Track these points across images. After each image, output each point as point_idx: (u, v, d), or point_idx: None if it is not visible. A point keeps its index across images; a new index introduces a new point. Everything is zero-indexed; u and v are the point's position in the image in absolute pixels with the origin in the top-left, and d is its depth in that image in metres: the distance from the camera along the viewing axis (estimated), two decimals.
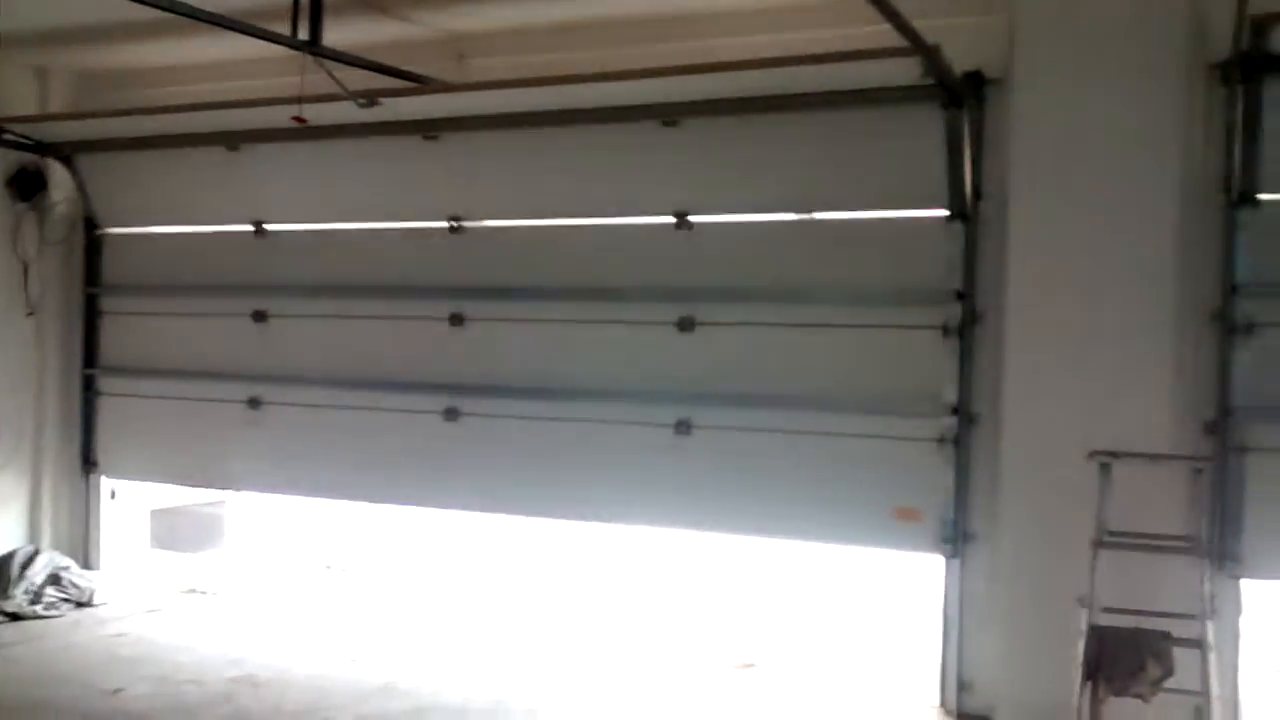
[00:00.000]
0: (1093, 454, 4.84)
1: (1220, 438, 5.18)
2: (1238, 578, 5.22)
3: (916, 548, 5.97)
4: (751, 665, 6.51)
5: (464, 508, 7.37)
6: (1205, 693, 4.56)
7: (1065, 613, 4.86)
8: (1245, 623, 5.41)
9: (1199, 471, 4.69)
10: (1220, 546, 5.11)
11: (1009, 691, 5.44)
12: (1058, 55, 5.35)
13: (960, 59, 5.32)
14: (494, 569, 8.71)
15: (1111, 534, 4.81)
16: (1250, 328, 5.16)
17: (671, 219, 6.51)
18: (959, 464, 5.79)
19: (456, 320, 7.12)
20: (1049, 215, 5.37)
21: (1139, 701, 4.67)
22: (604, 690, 6.04)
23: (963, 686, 5.76)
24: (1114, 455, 4.79)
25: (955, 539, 5.78)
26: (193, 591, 8.01)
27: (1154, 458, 4.83)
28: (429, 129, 6.91)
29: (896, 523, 5.92)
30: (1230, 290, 5.21)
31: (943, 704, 5.81)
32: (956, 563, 5.80)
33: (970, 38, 5.60)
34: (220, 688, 5.96)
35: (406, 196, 7.26)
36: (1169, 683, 4.63)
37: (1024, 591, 5.40)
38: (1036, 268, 5.40)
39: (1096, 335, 5.26)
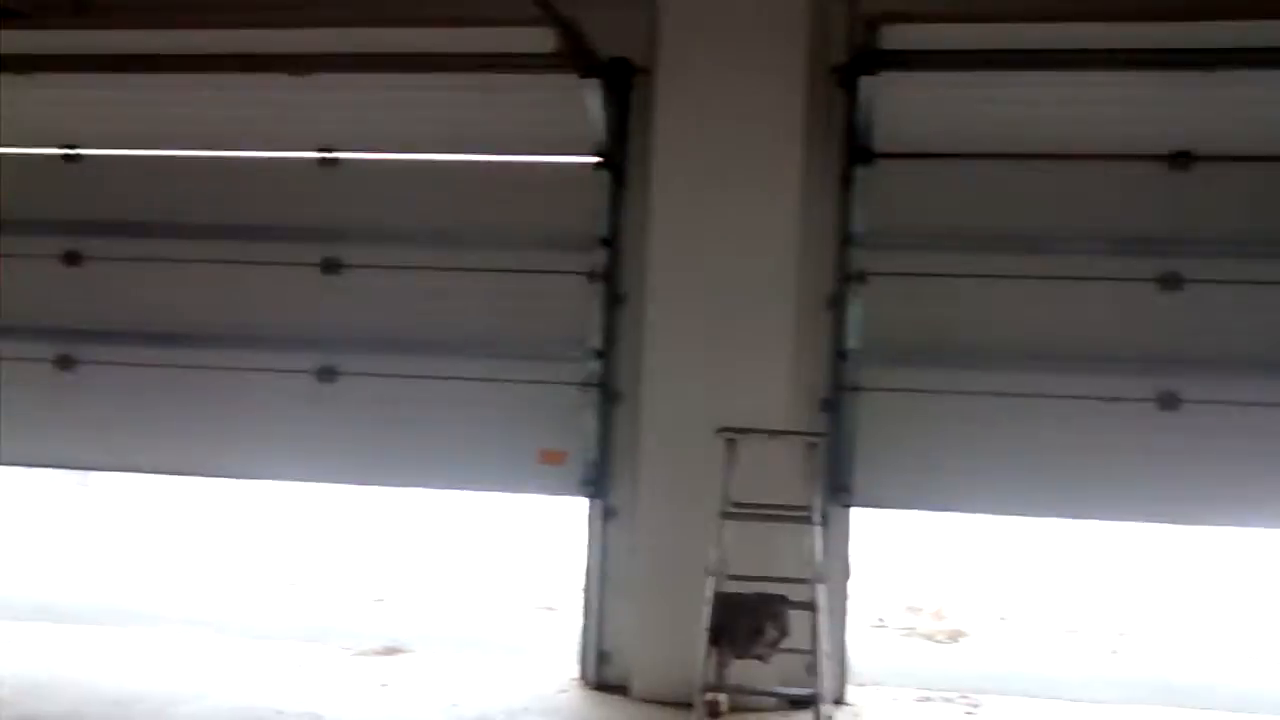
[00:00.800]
0: (720, 430, 5.12)
1: (834, 414, 5.68)
2: (847, 506, 5.73)
3: (561, 491, 6.06)
4: (396, 651, 6.42)
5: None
6: (814, 650, 4.93)
7: (697, 582, 5.10)
8: (853, 585, 5.94)
9: (813, 446, 5.06)
10: (834, 479, 5.61)
11: (643, 660, 5.66)
12: (696, 46, 5.61)
13: (613, 44, 5.57)
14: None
15: (737, 505, 5.10)
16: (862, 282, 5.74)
17: (315, 155, 6.28)
18: (602, 407, 5.93)
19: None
20: (686, 196, 5.64)
21: (760, 662, 5.02)
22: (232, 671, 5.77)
23: (602, 658, 5.93)
24: (739, 431, 5.09)
25: (598, 480, 5.90)
26: None
27: (774, 433, 5.16)
28: None
29: (541, 466, 5.98)
30: (845, 279, 5.72)
31: (583, 675, 5.95)
32: (599, 538, 5.96)
33: (625, 26, 5.80)
34: None
35: None
36: (785, 643, 5.01)
37: (659, 563, 5.63)
38: (673, 248, 5.66)
39: (725, 316, 5.58)
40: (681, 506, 5.52)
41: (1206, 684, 6.55)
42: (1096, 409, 5.62)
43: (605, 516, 5.94)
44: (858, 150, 5.73)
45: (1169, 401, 5.56)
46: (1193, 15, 5.13)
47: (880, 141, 5.76)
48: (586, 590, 6.02)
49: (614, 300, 5.97)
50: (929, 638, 7.18)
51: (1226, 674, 6.81)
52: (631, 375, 5.84)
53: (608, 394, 5.94)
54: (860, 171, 5.73)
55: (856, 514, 5.82)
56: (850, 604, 6.01)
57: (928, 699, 5.90)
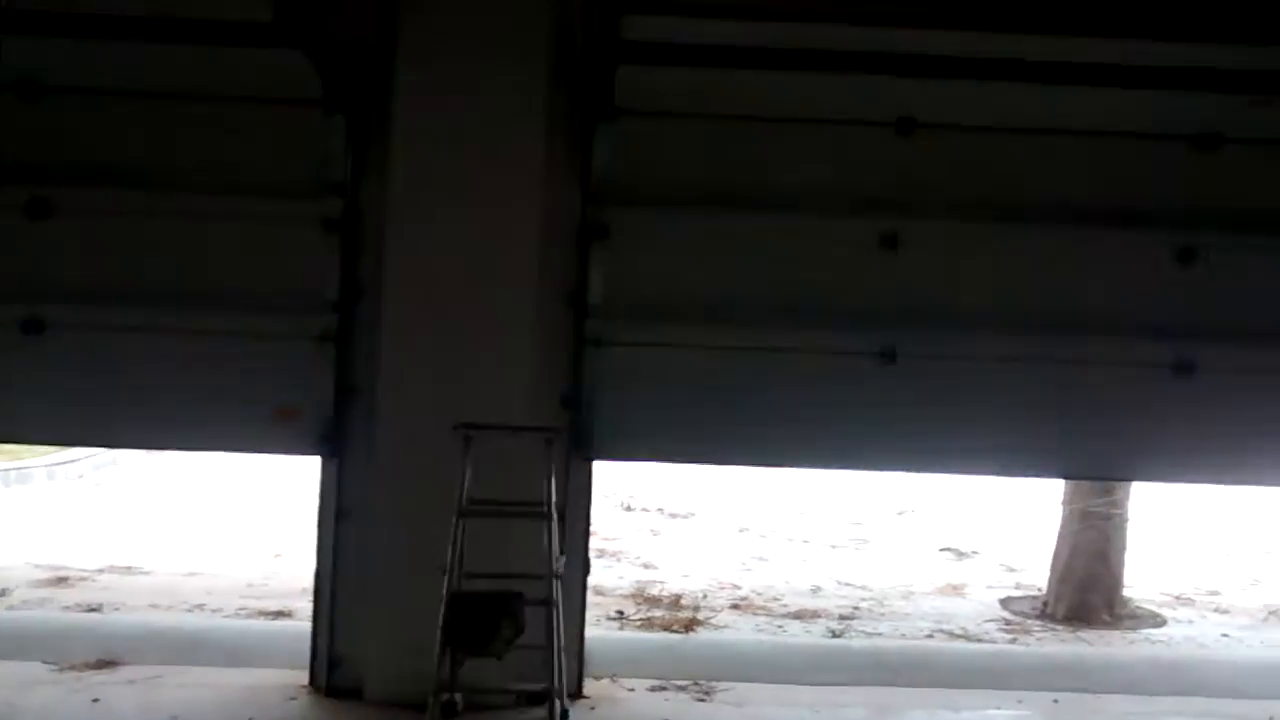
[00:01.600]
0: (456, 426, 5.04)
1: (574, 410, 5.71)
2: (589, 459, 5.79)
3: (297, 449, 5.86)
4: (110, 664, 6.00)
5: None
6: (550, 645, 4.93)
7: (433, 581, 5.02)
8: (591, 578, 6.00)
9: (550, 442, 5.06)
10: (575, 436, 5.68)
11: (376, 663, 5.53)
12: (439, 30, 5.49)
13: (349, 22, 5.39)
14: None
15: (474, 503, 5.03)
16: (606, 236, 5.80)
17: None
18: (339, 362, 5.73)
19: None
20: (425, 192, 5.52)
21: (496, 660, 4.98)
22: None
23: (334, 662, 5.74)
24: (475, 427, 5.03)
25: (334, 438, 5.71)
26: None
27: (513, 429, 5.13)
28: None
29: (276, 423, 5.73)
30: (584, 277, 5.76)
31: (313, 681, 5.74)
32: (330, 538, 5.76)
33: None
34: None
35: None
36: (522, 640, 4.99)
37: (394, 563, 5.49)
38: (413, 246, 5.52)
39: (466, 314, 5.50)
40: (418, 504, 5.40)
41: (922, 660, 7.00)
42: (828, 363, 5.90)
43: (338, 516, 5.74)
44: (600, 106, 5.73)
45: (890, 355, 5.89)
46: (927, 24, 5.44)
47: (623, 98, 5.79)
48: (318, 592, 5.80)
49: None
50: (667, 628, 7.33)
51: (939, 651, 7.28)
52: (369, 372, 5.67)
53: (344, 348, 5.72)
54: (603, 128, 5.75)
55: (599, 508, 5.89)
56: (589, 598, 6.08)
57: (662, 688, 6.03)
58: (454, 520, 4.98)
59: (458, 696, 5.10)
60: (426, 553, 5.17)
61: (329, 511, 5.76)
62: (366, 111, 5.68)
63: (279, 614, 7.41)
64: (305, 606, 6.20)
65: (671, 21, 5.37)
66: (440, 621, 4.86)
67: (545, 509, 5.00)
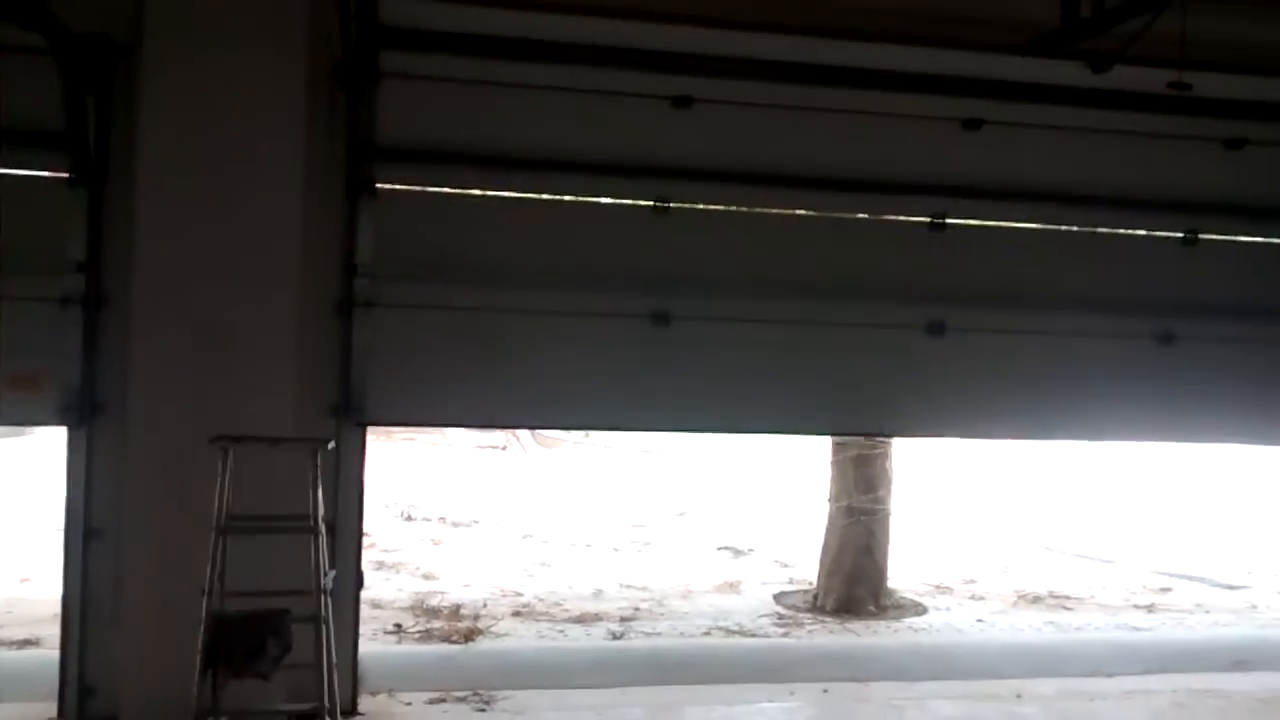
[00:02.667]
0: (213, 439, 4.80)
1: (340, 418, 5.54)
2: (360, 424, 5.72)
3: (39, 420, 5.58)
4: None
5: None
6: (320, 663, 4.75)
7: (192, 602, 4.76)
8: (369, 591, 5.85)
9: (316, 453, 4.88)
10: (346, 399, 5.61)
11: (133, 691, 5.21)
12: (190, 35, 5.22)
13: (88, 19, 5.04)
14: None
15: (235, 518, 4.80)
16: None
17: None
18: (86, 326, 5.38)
19: None
20: (177, 198, 5.25)
21: (263, 680, 4.76)
22: None
23: (86, 692, 5.38)
24: (234, 440, 4.80)
25: (82, 407, 5.35)
26: None
27: (274, 441, 4.93)
28: None
29: (11, 393, 5.32)
30: (351, 273, 5.64)
31: (62, 713, 5.36)
32: (78, 561, 5.39)
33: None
34: None
35: None
36: (292, 658, 4.80)
37: (150, 584, 5.21)
38: (165, 252, 5.25)
39: (225, 322, 5.25)
40: (176, 523, 5.11)
41: (699, 657, 7.14)
42: (597, 324, 6.03)
43: (86, 538, 5.38)
44: (361, 64, 5.61)
45: (661, 318, 6.06)
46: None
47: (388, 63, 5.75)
48: (66, 618, 5.42)
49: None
50: (446, 639, 7.22)
51: (716, 648, 7.45)
52: (118, 385, 5.34)
53: (91, 311, 5.39)
54: (366, 92, 5.66)
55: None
56: (365, 612, 5.92)
57: (441, 700, 5.93)
58: (213, 537, 4.73)
59: None
60: (185, 572, 4.90)
61: (76, 530, 5.40)
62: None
63: (25, 643, 6.89)
64: (54, 634, 5.78)
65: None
66: (200, 643, 4.61)
67: (312, 522, 4.82)
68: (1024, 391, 6.60)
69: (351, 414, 5.67)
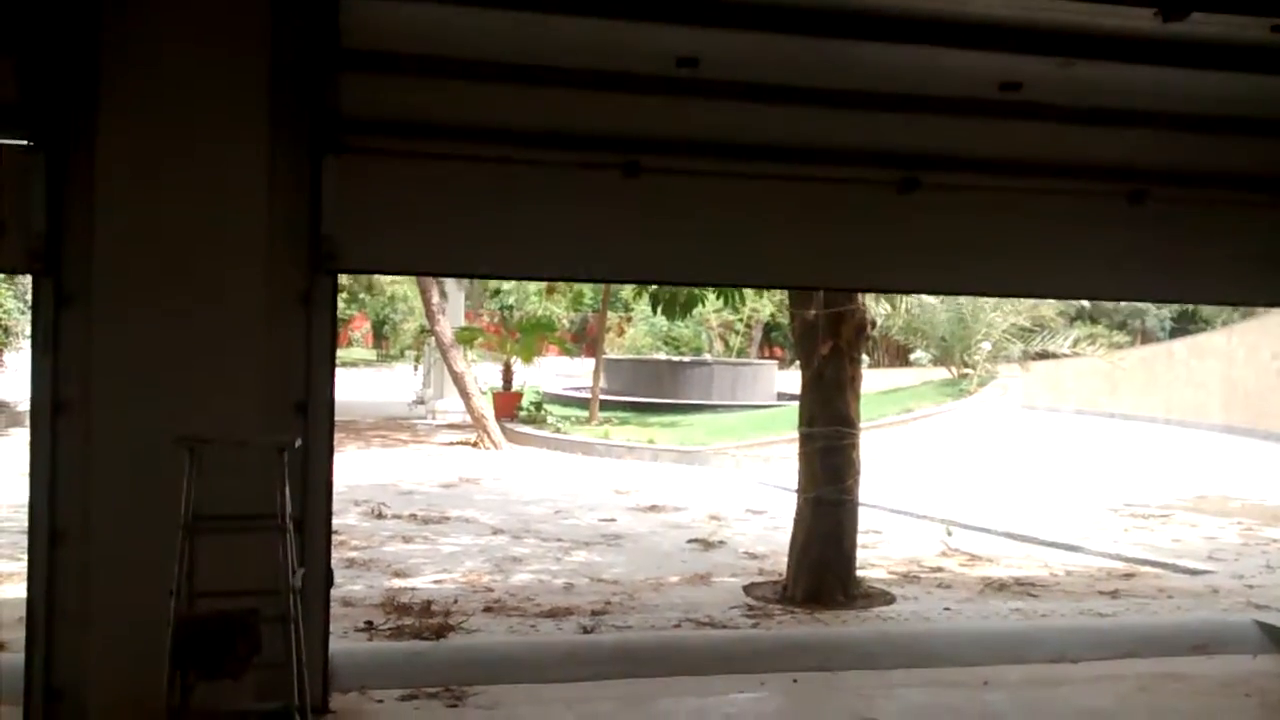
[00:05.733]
0: (179, 439, 4.78)
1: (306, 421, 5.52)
2: (331, 272, 5.72)
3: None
4: None
5: None
6: (289, 662, 4.76)
7: (161, 604, 4.74)
8: (339, 589, 5.83)
9: (282, 451, 4.87)
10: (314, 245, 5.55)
11: (101, 694, 5.17)
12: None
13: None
14: None
15: (202, 518, 4.79)
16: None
17: None
18: (50, 169, 5.28)
19: None
20: (140, 194, 5.21)
21: (232, 681, 4.75)
22: None
23: (52, 695, 5.34)
24: (201, 441, 4.78)
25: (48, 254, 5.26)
26: None
27: (239, 442, 4.92)
28: None
29: None
30: (316, 268, 5.59)
31: (27, 717, 5.32)
32: (44, 564, 5.34)
33: None
34: None
35: None
36: (262, 658, 4.79)
37: (118, 586, 5.18)
38: (127, 247, 5.21)
39: (188, 319, 5.23)
40: (143, 523, 5.09)
41: (670, 649, 7.18)
42: (569, 175, 6.09)
43: (51, 543, 5.34)
44: None
45: (632, 169, 6.02)
46: None
47: None
48: (31, 621, 5.38)
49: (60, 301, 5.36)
50: (417, 636, 7.21)
51: (686, 639, 7.48)
52: (82, 384, 5.29)
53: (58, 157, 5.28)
54: None
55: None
56: (336, 610, 5.91)
57: (413, 696, 5.94)
58: (180, 537, 4.72)
59: None
60: (153, 573, 4.88)
61: (42, 532, 5.34)
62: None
63: None
64: (20, 637, 5.73)
65: None
66: (169, 645, 4.60)
67: (280, 521, 4.81)
68: (995, 248, 6.73)
69: (323, 263, 5.62)
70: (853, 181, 6.44)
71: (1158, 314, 44.32)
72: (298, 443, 5.10)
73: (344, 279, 27.54)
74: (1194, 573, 10.34)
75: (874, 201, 6.48)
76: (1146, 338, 42.84)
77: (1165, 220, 6.87)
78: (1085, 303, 27.88)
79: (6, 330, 18.38)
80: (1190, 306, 44.22)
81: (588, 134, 6.09)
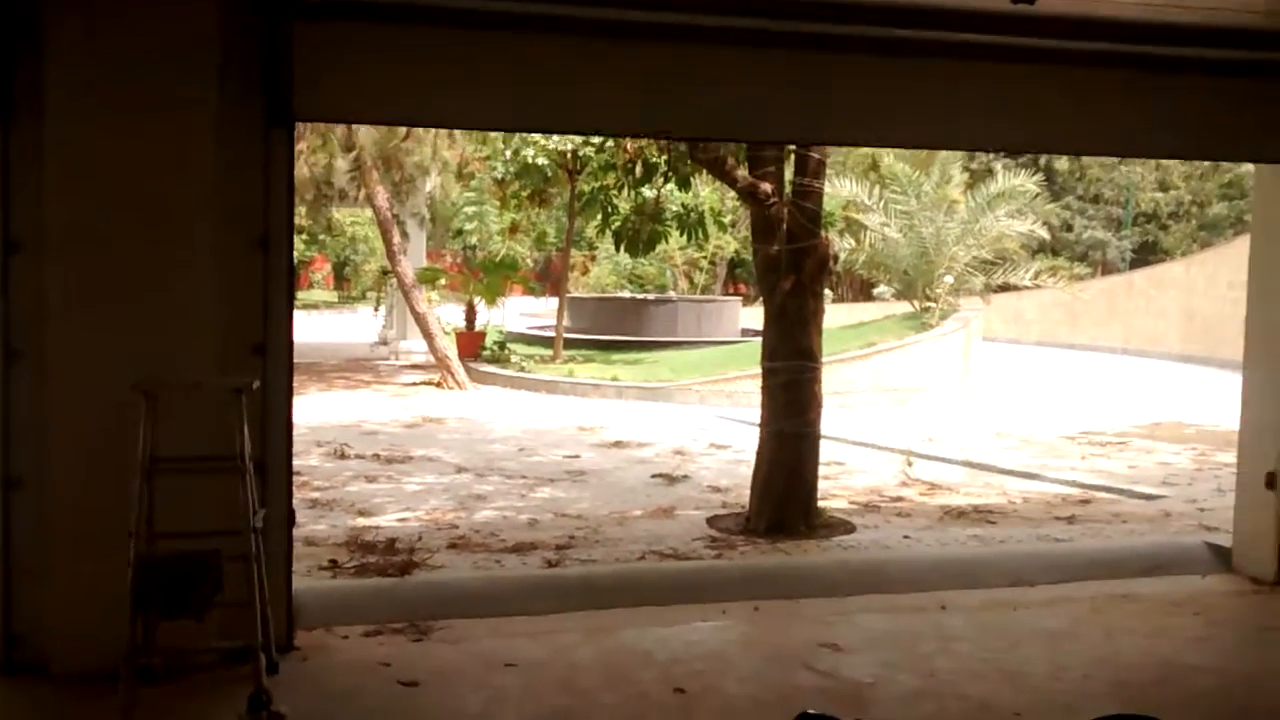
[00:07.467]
0: (135, 385, 4.75)
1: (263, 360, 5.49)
2: (287, 124, 5.59)
3: None
4: None
5: None
6: (252, 601, 4.78)
7: (122, 547, 4.74)
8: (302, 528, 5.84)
9: (240, 393, 4.85)
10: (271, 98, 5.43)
11: (62, 637, 5.19)
12: None
13: None
14: None
15: (160, 460, 4.78)
16: None
17: None
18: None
19: None
20: (87, 135, 5.11)
21: (195, 621, 4.78)
22: None
23: (12, 641, 5.34)
24: (156, 386, 4.76)
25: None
26: None
27: (195, 385, 4.89)
28: None
29: None
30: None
31: None
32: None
33: None
34: None
35: None
36: (224, 597, 4.81)
37: (76, 530, 5.16)
38: (75, 191, 5.12)
39: (140, 261, 5.17)
40: (101, 468, 5.08)
41: (634, 581, 7.27)
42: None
43: (6, 488, 5.31)
44: None
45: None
46: None
47: None
48: None
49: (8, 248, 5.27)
50: (381, 573, 7.24)
51: (650, 571, 7.57)
52: (34, 332, 5.23)
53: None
54: None
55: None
56: (299, 549, 5.93)
57: (378, 632, 5.98)
58: (138, 481, 4.71)
59: (156, 661, 4.87)
60: (112, 517, 4.88)
61: None
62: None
63: None
64: None
65: None
66: (130, 586, 4.61)
67: (239, 462, 4.81)
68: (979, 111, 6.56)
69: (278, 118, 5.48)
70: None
71: (1118, 245, 44.66)
72: (255, 384, 5.08)
73: (301, 219, 27.37)
74: (1148, 498, 10.55)
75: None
76: (1108, 269, 43.20)
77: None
78: (1046, 235, 27.93)
79: None
80: (1151, 238, 44.71)
81: None
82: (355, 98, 5.90)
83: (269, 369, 5.53)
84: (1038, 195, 26.60)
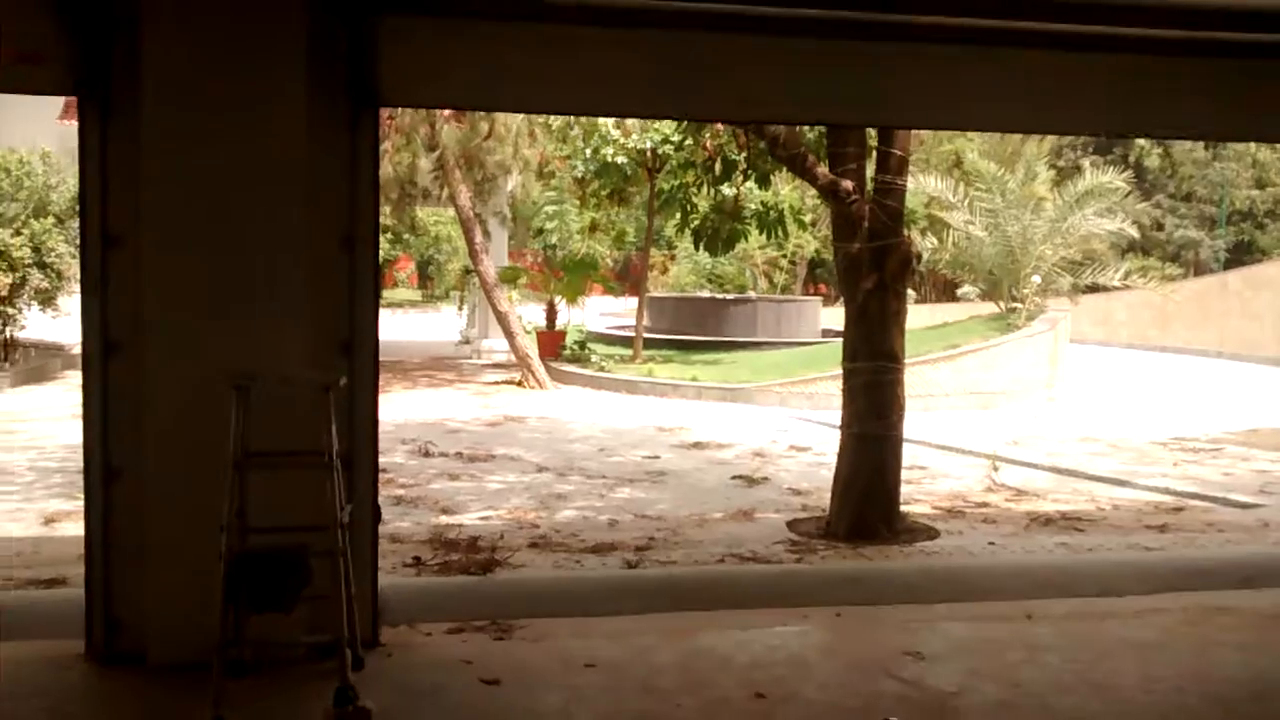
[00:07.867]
0: (226, 377, 4.85)
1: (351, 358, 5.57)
2: (373, 106, 5.71)
3: (46, 89, 5.63)
4: None
5: None
6: (338, 595, 4.86)
7: (214, 539, 4.84)
8: (387, 525, 5.92)
9: (328, 390, 4.93)
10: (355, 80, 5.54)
11: (159, 626, 5.32)
12: None
13: None
14: None
15: (252, 454, 4.88)
16: None
17: None
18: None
19: None
20: (183, 132, 5.22)
21: (283, 615, 4.86)
22: None
23: (113, 627, 5.49)
24: (248, 378, 4.86)
25: (93, 82, 5.28)
26: None
27: (284, 380, 4.98)
28: None
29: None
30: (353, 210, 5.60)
31: (89, 649, 5.48)
32: (100, 501, 5.47)
33: None
34: None
35: None
36: (311, 592, 4.89)
37: (172, 522, 5.28)
38: (171, 187, 5.24)
39: (236, 258, 5.28)
40: (195, 461, 5.18)
41: (713, 583, 7.25)
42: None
43: (106, 481, 5.46)
44: None
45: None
46: None
47: None
48: (90, 556, 5.52)
49: (107, 243, 5.43)
50: (464, 571, 7.32)
51: (730, 574, 7.55)
52: (132, 325, 5.37)
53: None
54: None
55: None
56: (384, 546, 6.01)
57: (460, 630, 6.03)
58: (230, 473, 4.81)
59: (245, 654, 4.98)
60: (205, 509, 4.97)
61: (97, 471, 5.45)
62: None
63: (53, 582, 7.03)
64: (81, 573, 5.89)
65: None
66: (222, 579, 4.71)
67: (327, 458, 4.89)
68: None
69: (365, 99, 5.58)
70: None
71: (1211, 245, 43.46)
72: (342, 381, 5.17)
73: (386, 219, 27.73)
74: (1245, 506, 10.25)
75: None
76: (1200, 269, 42.06)
77: None
78: (1136, 234, 27.27)
79: (59, 274, 18.62)
80: (1246, 237, 43.43)
81: None
82: (438, 83, 6.02)
83: (355, 366, 5.62)
84: (1129, 193, 26.00)
